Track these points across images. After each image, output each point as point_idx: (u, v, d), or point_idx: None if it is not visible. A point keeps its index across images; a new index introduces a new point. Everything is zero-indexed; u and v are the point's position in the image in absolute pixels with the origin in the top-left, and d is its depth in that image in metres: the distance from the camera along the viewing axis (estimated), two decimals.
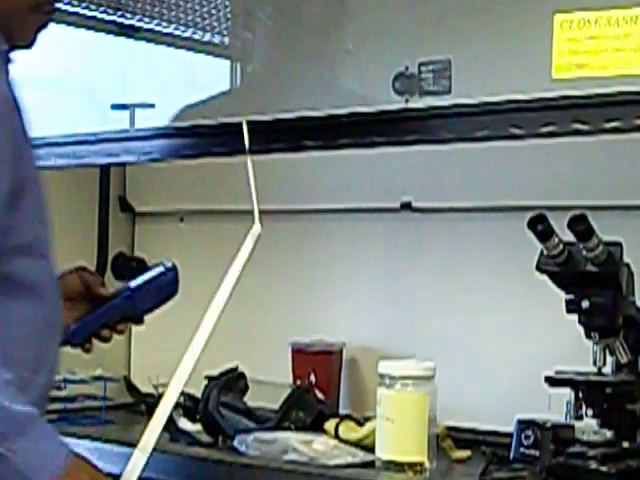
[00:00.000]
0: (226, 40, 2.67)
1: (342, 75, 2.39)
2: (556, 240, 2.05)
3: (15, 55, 1.73)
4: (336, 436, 2.32)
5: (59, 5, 2.53)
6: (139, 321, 1.95)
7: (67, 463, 1.60)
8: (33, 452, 1.58)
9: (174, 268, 1.97)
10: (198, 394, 2.48)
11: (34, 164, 1.73)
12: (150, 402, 2.58)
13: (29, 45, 1.78)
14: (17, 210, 1.64)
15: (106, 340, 1.95)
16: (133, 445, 2.37)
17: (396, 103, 2.16)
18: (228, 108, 2.49)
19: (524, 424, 2.15)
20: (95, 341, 2.05)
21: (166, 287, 1.97)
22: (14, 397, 1.56)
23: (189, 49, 2.70)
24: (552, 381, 2.09)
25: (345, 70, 2.39)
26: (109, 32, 2.73)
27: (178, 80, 2.68)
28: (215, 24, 2.64)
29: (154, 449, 1.77)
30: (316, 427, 2.38)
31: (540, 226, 2.02)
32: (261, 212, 2.79)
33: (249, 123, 2.19)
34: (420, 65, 2.12)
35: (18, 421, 1.56)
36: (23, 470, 1.57)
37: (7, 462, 1.57)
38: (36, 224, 1.70)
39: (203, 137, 2.43)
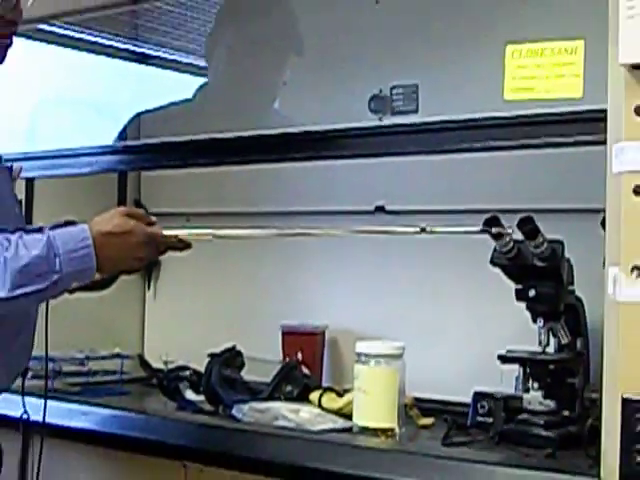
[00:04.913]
0: None
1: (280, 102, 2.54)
2: (507, 238, 2.14)
3: None
4: (319, 405, 2.40)
5: (84, 36, 2.73)
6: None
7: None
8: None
9: None
10: (202, 369, 2.56)
11: None
12: (160, 376, 2.67)
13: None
14: None
15: None
16: (145, 413, 2.45)
17: (371, 121, 2.26)
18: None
19: (480, 395, 2.23)
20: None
21: None
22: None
23: (193, 74, 2.76)
24: (504, 359, 2.18)
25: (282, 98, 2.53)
26: (125, 58, 2.82)
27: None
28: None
29: None
30: (302, 398, 2.46)
31: (494, 226, 2.10)
32: (259, 213, 2.96)
33: (239, 139, 2.36)
34: (392, 88, 2.24)
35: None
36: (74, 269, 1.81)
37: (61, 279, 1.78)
38: None
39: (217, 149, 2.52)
